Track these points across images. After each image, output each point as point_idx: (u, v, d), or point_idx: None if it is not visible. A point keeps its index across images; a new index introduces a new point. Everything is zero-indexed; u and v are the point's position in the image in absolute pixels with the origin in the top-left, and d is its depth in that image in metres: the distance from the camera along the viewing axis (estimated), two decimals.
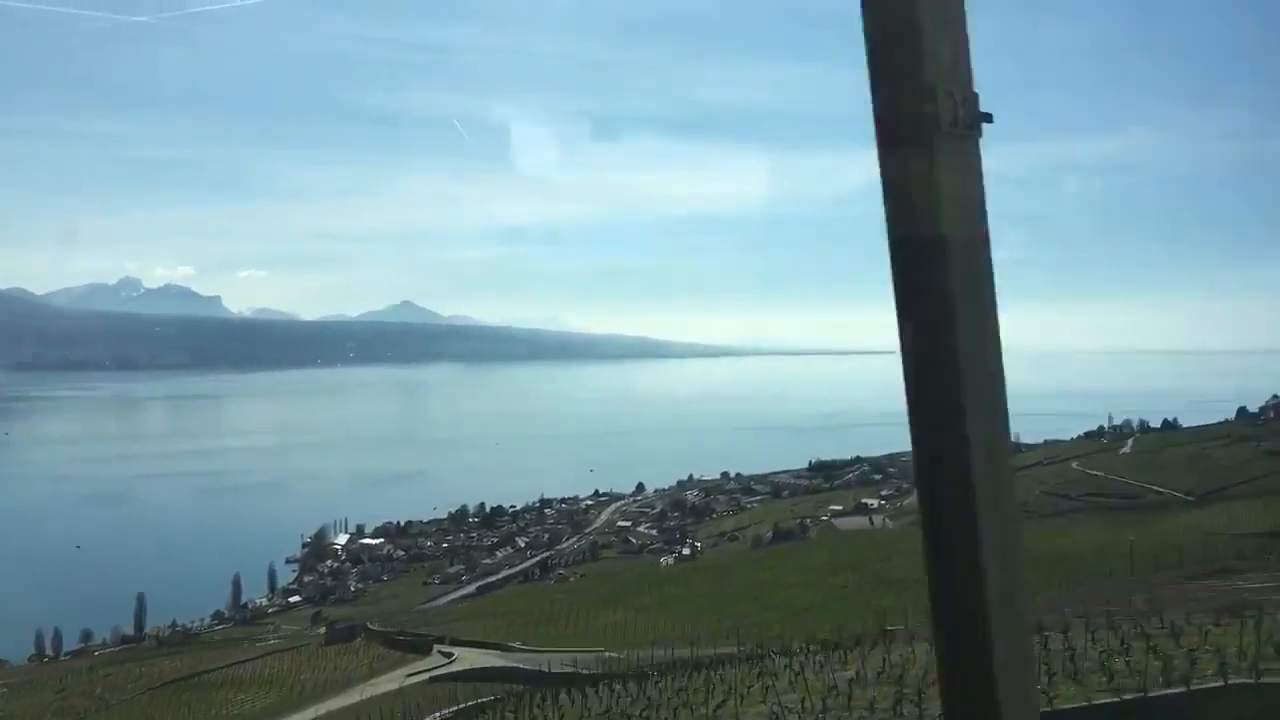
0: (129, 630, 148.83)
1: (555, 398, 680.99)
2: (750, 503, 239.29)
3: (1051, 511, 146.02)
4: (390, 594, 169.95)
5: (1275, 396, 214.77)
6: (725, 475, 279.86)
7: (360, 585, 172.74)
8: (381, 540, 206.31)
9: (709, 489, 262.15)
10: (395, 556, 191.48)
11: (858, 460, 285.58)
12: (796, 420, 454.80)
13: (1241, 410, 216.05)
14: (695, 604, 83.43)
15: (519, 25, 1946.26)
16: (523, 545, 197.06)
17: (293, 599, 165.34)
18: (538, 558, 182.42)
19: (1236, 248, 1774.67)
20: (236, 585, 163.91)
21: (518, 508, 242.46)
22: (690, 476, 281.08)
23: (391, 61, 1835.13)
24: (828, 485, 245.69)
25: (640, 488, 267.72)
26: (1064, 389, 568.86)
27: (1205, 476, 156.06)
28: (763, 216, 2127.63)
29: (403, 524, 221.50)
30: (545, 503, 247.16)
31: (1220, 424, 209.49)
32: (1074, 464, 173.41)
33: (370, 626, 65.80)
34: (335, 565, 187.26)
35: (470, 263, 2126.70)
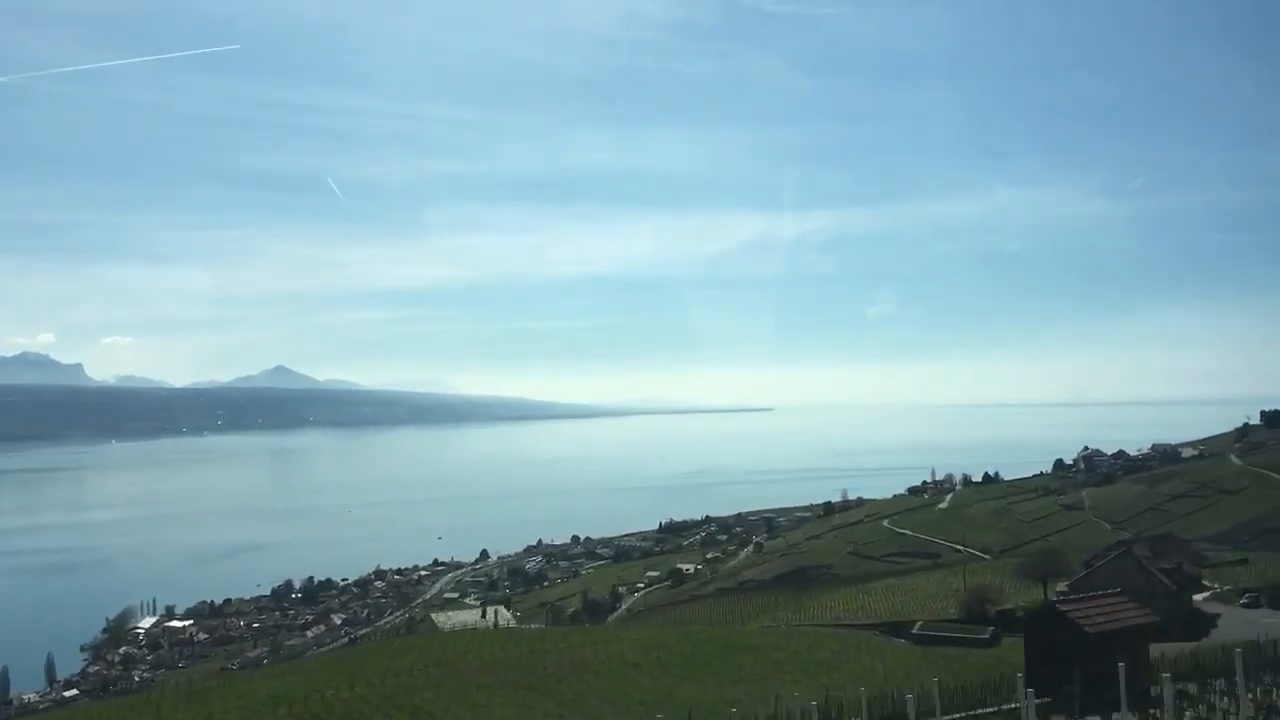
0: None
1: (428, 462, 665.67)
2: (590, 567, 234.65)
3: (852, 574, 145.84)
4: (182, 682, 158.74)
5: (1086, 448, 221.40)
6: (575, 539, 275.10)
7: (149, 674, 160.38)
8: (190, 622, 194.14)
9: (553, 554, 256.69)
10: (198, 640, 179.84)
11: (707, 520, 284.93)
12: (660, 479, 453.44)
13: (1058, 462, 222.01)
14: None
15: (398, 89, 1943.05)
16: (339, 623, 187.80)
17: (70, 693, 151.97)
18: (349, 636, 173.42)
19: (1096, 303, 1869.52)
20: (4, 679, 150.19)
21: (348, 580, 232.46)
22: (540, 541, 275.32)
23: (267, 123, 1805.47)
24: (658, 549, 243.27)
25: (484, 554, 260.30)
26: (921, 442, 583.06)
27: (1005, 533, 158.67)
28: (641, 278, 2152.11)
29: (218, 603, 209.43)
30: (379, 574, 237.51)
31: (1035, 476, 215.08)
32: (885, 522, 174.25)
33: None
34: (129, 652, 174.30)
35: (349, 326, 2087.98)
